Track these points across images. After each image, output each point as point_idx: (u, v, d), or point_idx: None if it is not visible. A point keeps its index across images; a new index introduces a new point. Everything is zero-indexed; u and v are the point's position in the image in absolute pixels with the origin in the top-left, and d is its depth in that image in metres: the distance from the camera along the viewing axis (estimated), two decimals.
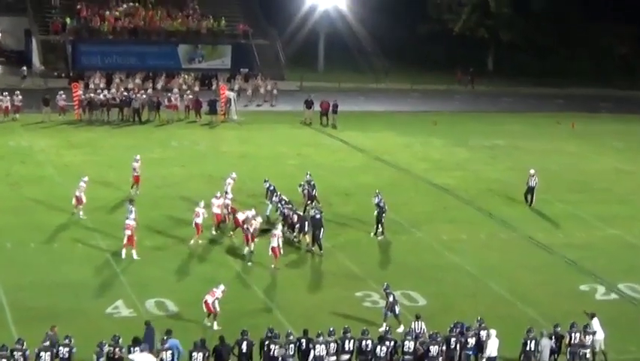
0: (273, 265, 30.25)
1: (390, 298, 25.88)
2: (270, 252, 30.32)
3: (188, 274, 29.83)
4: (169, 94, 56.59)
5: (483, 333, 23.75)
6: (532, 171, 39.62)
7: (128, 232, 30.54)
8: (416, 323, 24.16)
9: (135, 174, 38.06)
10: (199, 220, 32.05)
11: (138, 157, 38.60)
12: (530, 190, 39.37)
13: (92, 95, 54.15)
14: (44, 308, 26.28)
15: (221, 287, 25.82)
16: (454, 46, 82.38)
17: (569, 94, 72.98)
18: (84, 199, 34.57)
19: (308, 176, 37.32)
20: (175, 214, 35.27)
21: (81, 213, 34.53)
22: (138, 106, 53.58)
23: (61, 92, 54.01)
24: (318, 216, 32.44)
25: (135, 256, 30.48)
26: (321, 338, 22.76)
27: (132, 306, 26.74)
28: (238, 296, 27.71)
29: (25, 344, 21.57)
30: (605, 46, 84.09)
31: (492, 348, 23.39)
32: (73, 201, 34.65)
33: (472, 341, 23.56)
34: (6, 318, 25.58)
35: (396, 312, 25.87)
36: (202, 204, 32.66)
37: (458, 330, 23.66)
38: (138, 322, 25.17)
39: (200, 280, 28.93)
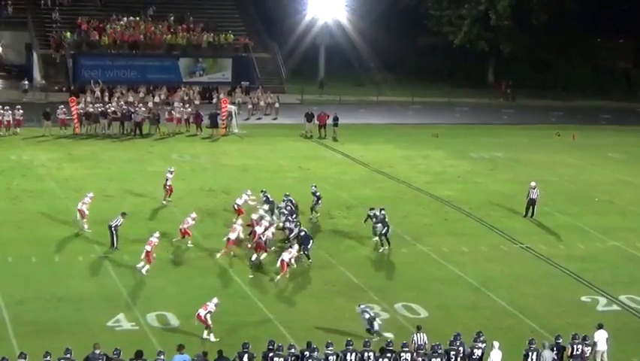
0: (278, 277, 30.30)
1: (366, 316, 25.77)
2: (279, 263, 30.49)
3: (189, 287, 29.76)
4: (169, 107, 56.79)
5: (482, 345, 23.75)
6: (532, 184, 39.64)
7: (148, 248, 30.41)
8: (418, 334, 24.12)
9: (168, 184, 38.68)
10: (233, 236, 32.26)
11: (172, 169, 39.73)
12: (532, 202, 39.37)
13: (90, 108, 54.20)
14: (46, 322, 26.29)
15: (215, 300, 25.81)
16: (455, 58, 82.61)
17: (569, 106, 73.11)
18: (86, 212, 34.63)
19: (314, 188, 37.61)
20: (175, 228, 35.19)
21: (85, 226, 34.56)
22: (140, 120, 53.71)
23: (62, 105, 54.15)
24: (302, 233, 32.51)
25: (144, 272, 30.37)
26: (315, 352, 22.73)
27: (134, 319, 26.71)
28: (239, 308, 27.73)
29: (27, 358, 21.57)
30: (604, 59, 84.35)
31: (495, 360, 23.36)
32: (77, 215, 34.77)
33: (476, 352, 23.53)
34: (7, 332, 25.54)
35: (375, 327, 25.70)
36: (240, 221, 33.24)
37: (458, 343, 23.64)
38: (140, 335, 25.23)
39: (201, 293, 28.87)
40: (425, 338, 23.95)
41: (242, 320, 26.98)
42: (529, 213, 39.37)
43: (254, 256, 31.43)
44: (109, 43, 68.41)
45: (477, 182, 46.20)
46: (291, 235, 32.92)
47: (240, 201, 36.02)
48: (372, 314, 26.10)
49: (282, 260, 30.37)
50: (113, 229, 32.56)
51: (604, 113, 70.33)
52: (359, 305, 26.54)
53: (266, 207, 35.30)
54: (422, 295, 29.76)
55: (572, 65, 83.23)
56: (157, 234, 31.27)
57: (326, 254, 32.96)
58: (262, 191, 36.82)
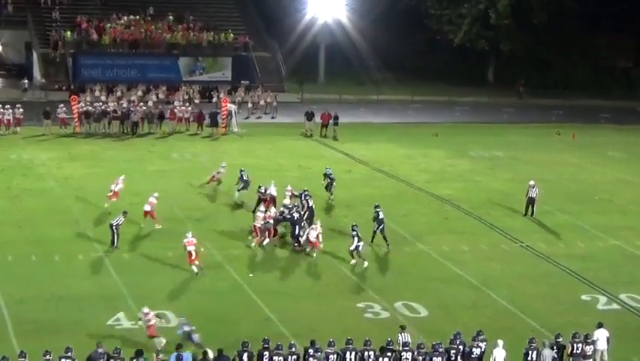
0: (314, 254, 32.57)
1: (184, 329, 24.73)
2: (304, 239, 32.64)
3: (188, 285, 29.78)
4: (170, 106, 56.79)
5: (482, 344, 23.73)
6: (532, 182, 39.64)
7: (190, 248, 30.45)
8: (402, 334, 23.91)
9: (216, 177, 40.59)
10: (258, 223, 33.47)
11: (224, 164, 41.46)
12: (531, 201, 39.36)
13: (90, 107, 54.18)
14: (46, 321, 26.30)
15: (145, 310, 24.99)
16: (455, 57, 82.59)
17: (569, 105, 73.05)
18: (154, 212, 35.14)
19: (328, 170, 39.47)
20: (175, 226, 35.24)
21: (158, 226, 35.07)
22: (137, 119, 53.62)
23: (62, 104, 54.12)
24: (295, 215, 33.73)
25: (195, 270, 30.38)
26: (318, 353, 22.70)
27: (133, 318, 26.67)
28: (239, 307, 27.73)
29: (27, 357, 21.58)
30: (604, 58, 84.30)
31: (499, 359, 23.33)
32: (110, 193, 36.33)
33: (476, 351, 23.51)
34: (7, 331, 25.56)
35: (195, 340, 24.56)
36: (273, 210, 34.36)
37: (458, 341, 23.62)
38: (139, 334, 25.21)
39: (200, 291, 28.99)
40: (409, 338, 23.77)
41: (242, 318, 26.97)
42: (529, 212, 39.36)
43: (266, 241, 33.27)
44: (109, 42, 68.37)
45: (477, 181, 46.19)
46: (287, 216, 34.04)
47: (269, 189, 36.96)
48: (189, 329, 24.75)
49: (310, 241, 32.38)
50: (114, 227, 32.60)
51: (604, 113, 70.30)
52: (179, 318, 25.64)
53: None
54: (422, 294, 29.76)
55: (572, 64, 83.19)
56: (190, 233, 31.08)
57: (326, 253, 32.93)
58: (241, 170, 38.92)
